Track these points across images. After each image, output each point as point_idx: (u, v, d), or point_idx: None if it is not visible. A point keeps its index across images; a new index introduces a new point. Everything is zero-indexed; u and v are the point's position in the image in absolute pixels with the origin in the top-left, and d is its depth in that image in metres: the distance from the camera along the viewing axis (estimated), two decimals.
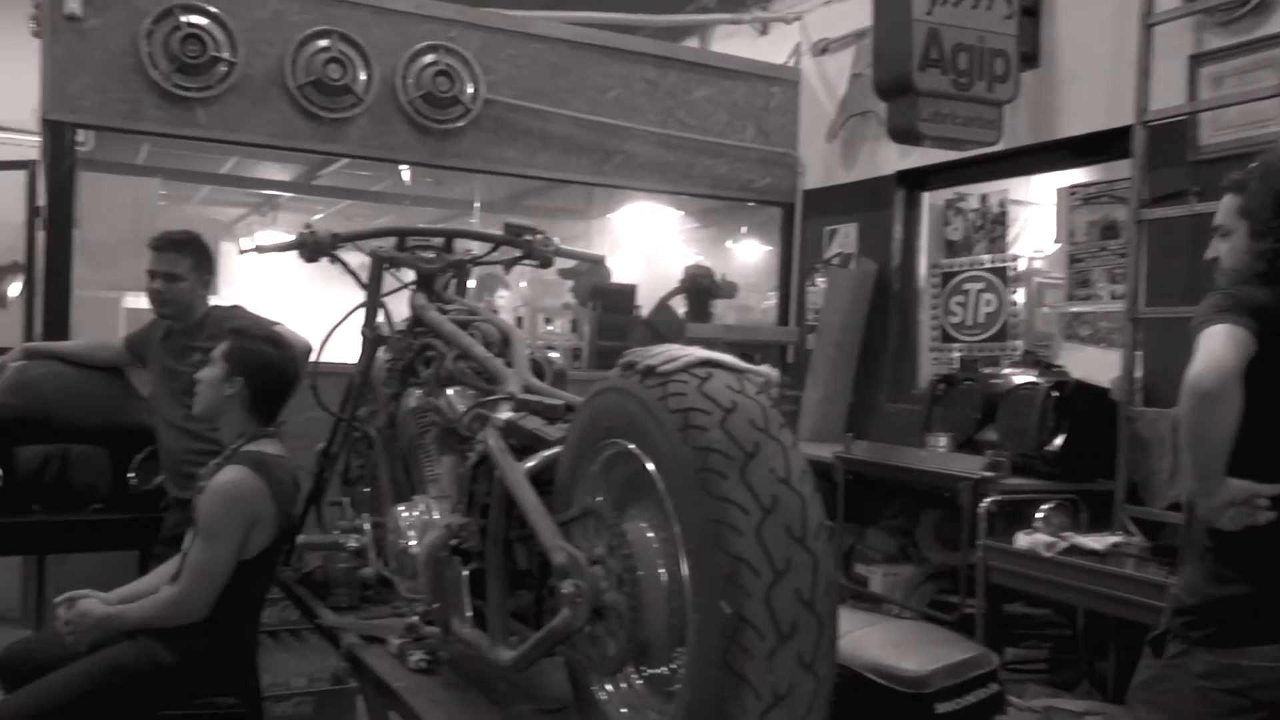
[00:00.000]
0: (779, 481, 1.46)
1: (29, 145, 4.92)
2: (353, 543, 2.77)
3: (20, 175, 4.88)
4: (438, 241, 2.94)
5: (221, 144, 4.83)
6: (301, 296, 6.81)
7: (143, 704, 2.69)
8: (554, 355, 2.59)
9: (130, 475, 3.65)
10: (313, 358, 3.14)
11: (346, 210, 11.86)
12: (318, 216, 11.63)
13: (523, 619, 2.06)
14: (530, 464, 1.92)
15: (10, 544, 3.65)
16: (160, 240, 3.54)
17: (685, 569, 1.51)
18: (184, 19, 4.29)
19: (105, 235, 4.53)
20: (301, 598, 3.07)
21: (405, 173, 10.06)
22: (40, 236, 4.43)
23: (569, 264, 6.66)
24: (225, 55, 4.37)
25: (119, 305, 5.83)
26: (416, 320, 2.72)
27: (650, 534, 1.63)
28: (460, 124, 4.87)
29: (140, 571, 3.94)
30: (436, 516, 2.36)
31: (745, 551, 1.41)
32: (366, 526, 2.79)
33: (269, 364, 2.86)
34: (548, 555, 1.71)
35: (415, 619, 2.39)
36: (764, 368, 1.70)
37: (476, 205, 9.60)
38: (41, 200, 4.39)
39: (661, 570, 1.59)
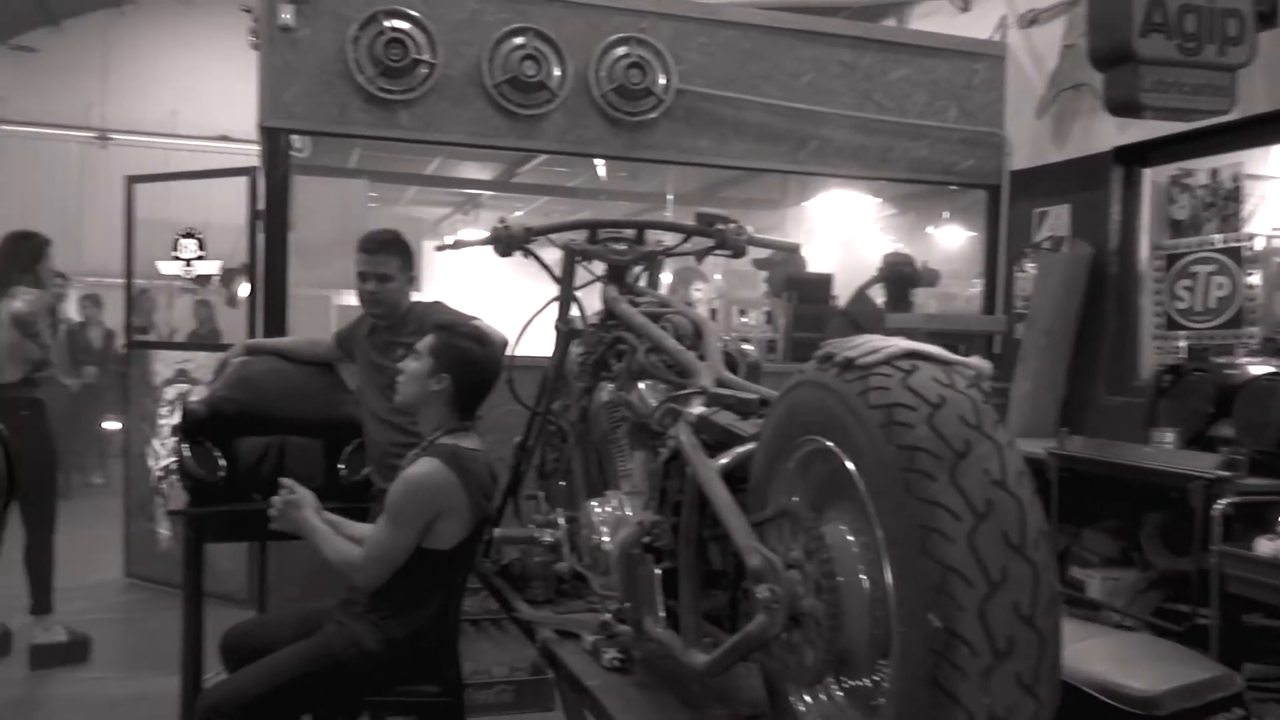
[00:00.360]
0: (993, 484, 1.34)
1: (254, 154, 5.21)
2: (547, 537, 2.78)
3: (243, 181, 5.20)
4: (629, 233, 2.90)
5: (423, 144, 4.97)
6: (500, 291, 7.00)
7: (349, 689, 2.78)
8: (748, 348, 2.50)
9: (340, 466, 3.79)
10: (508, 352, 3.18)
11: (544, 207, 12.11)
12: (517, 213, 11.93)
13: (716, 621, 1.99)
14: (723, 461, 1.85)
15: (232, 531, 3.86)
16: (370, 242, 3.65)
17: (889, 577, 1.41)
18: (387, 24, 4.42)
19: (318, 236, 4.76)
20: (499, 590, 3.10)
21: (600, 168, 10.21)
22: (260, 239, 4.69)
23: (763, 254, 6.56)
24: (425, 57, 4.49)
25: (330, 302, 6.13)
26: (608, 313, 2.69)
27: (850, 538, 1.53)
28: (653, 115, 4.84)
29: None
30: (629, 513, 2.32)
31: (956, 560, 1.30)
32: (560, 521, 2.78)
33: (474, 361, 2.89)
34: (741, 557, 1.63)
35: (608, 616, 2.36)
36: (974, 359, 1.57)
37: (670, 198, 9.61)
38: (261, 204, 4.65)
39: (863, 577, 1.49)
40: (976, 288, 6.15)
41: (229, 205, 5.67)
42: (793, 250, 3.68)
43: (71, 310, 9.91)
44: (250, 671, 2.74)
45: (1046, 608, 1.32)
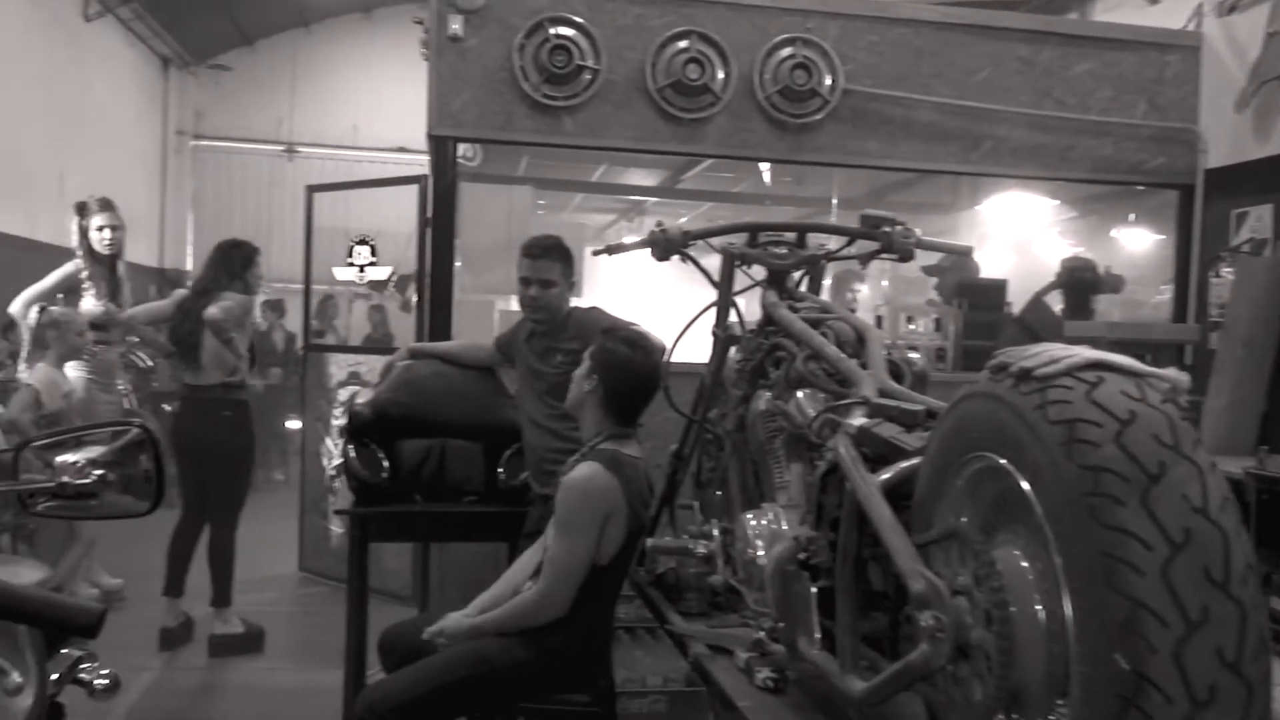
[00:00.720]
0: (1193, 511, 1.20)
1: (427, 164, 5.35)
2: (701, 548, 2.71)
3: (414, 190, 5.33)
4: (790, 237, 2.80)
5: (587, 150, 4.99)
6: (658, 298, 6.98)
7: (502, 697, 2.78)
8: (914, 356, 2.37)
9: (499, 470, 3.82)
10: (665, 358, 3.12)
11: (708, 212, 12.07)
12: (681, 219, 11.92)
13: (875, 645, 1.88)
14: (885, 476, 1.74)
15: (395, 531, 3.95)
16: (533, 247, 3.65)
17: (1068, 609, 1.28)
18: (552, 31, 4.45)
19: (483, 242, 4.84)
20: (653, 600, 3.05)
21: (765, 173, 10.10)
22: (429, 245, 4.79)
23: (932, 260, 6.33)
24: (590, 63, 4.49)
25: (494, 308, 6.23)
26: (767, 319, 2.61)
27: (1025, 564, 1.41)
28: (818, 117, 4.72)
29: (508, 563, 4.14)
30: (784, 527, 2.22)
31: (1147, 595, 1.16)
32: (715, 533, 2.71)
33: (624, 365, 2.85)
34: (903, 580, 1.52)
35: (762, 634, 2.27)
36: (1170, 371, 1.42)
37: (834, 202, 9.42)
38: (430, 212, 4.75)
39: (1038, 608, 1.36)
40: (1165, 295, 5.75)
41: (401, 214, 5.84)
42: (964, 254, 3.51)
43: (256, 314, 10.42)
44: (407, 674, 2.77)
45: (1255, 653, 1.17)
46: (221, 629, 4.87)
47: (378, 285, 6.68)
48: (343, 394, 6.23)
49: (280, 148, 14.33)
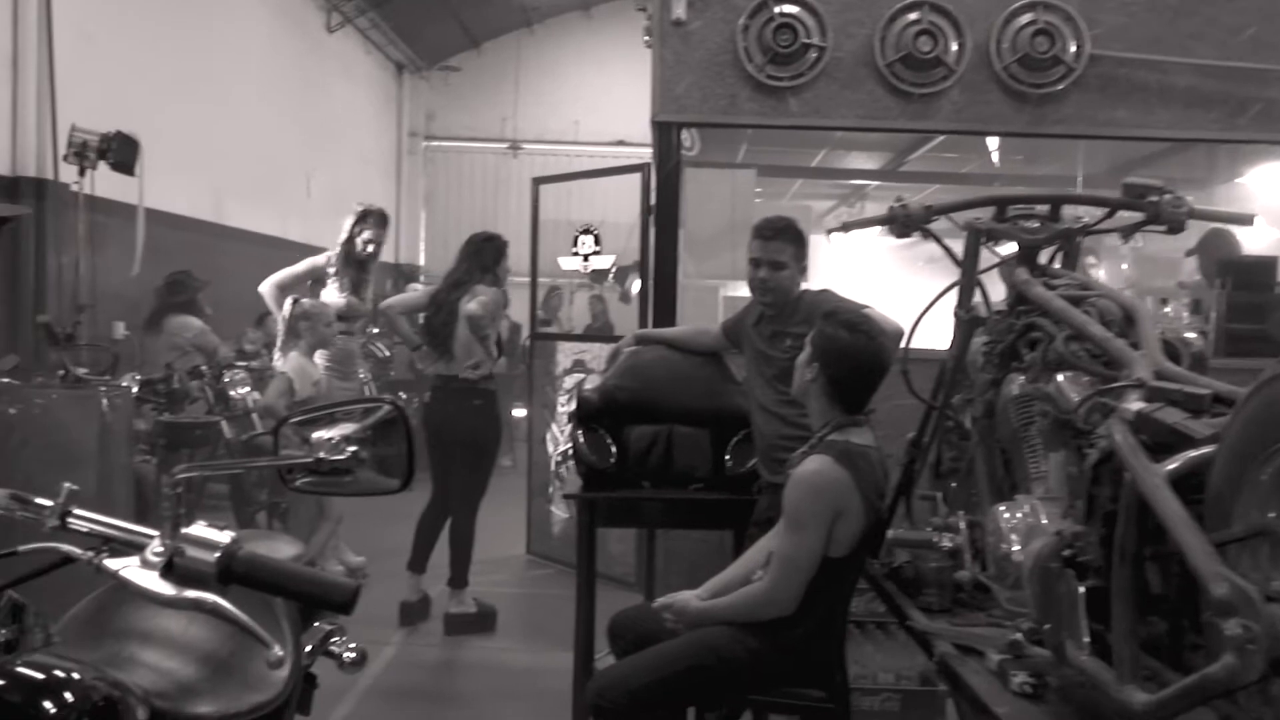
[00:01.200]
0: None
1: (647, 155, 5.37)
2: (946, 542, 2.55)
3: (636, 180, 5.35)
4: (1041, 210, 2.60)
5: (812, 131, 4.86)
6: (887, 283, 6.76)
7: (732, 688, 2.72)
8: (1192, 336, 2.15)
9: (726, 457, 3.75)
10: (903, 343, 2.98)
11: (931, 196, 11.64)
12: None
13: (1153, 651, 1.70)
14: (1172, 466, 1.56)
15: (623, 517, 3.96)
16: (766, 228, 3.55)
17: None
18: (776, 9, 4.34)
19: (706, 228, 4.79)
20: (890, 594, 2.92)
21: (994, 152, 9.62)
22: (652, 232, 4.79)
23: (1190, 241, 5.82)
24: (815, 41, 4.36)
25: (718, 293, 6.18)
26: (1019, 298, 2.43)
27: None
28: (1061, 86, 4.40)
29: (734, 551, 4.09)
30: (1044, 521, 2.05)
31: None
32: (962, 525, 2.55)
33: (844, 350, 2.72)
34: (1202, 583, 1.35)
35: (1018, 636, 2.10)
36: None
37: (1079, 179, 8.85)
38: (653, 200, 4.74)
39: None
40: None
41: (621, 204, 5.87)
42: (1246, 222, 3.16)
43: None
44: (638, 660, 2.75)
45: None
46: (457, 608, 5.05)
47: (599, 276, 6.75)
48: (568, 381, 6.34)
49: (504, 145, 14.82)
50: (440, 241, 14.75)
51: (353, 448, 1.29)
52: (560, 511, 6.38)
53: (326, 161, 11.47)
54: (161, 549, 1.21)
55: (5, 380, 4.26)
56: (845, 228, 2.79)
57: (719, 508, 3.77)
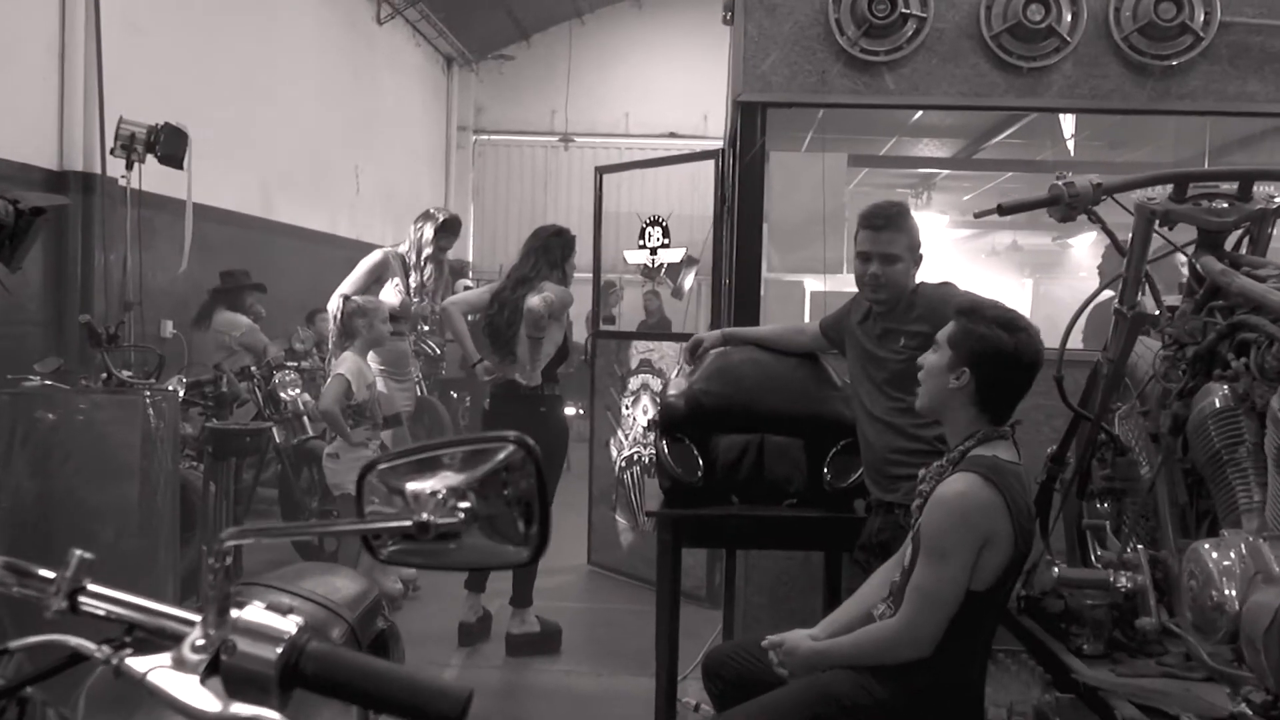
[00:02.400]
0: None
1: (702, 146, 5.07)
2: (1123, 581, 2.17)
3: (697, 171, 4.96)
4: (1227, 188, 2.21)
5: (891, 115, 4.47)
6: (948, 277, 6.34)
7: None
8: None
9: (825, 470, 3.38)
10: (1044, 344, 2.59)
11: (1002, 185, 11.16)
12: (966, 198, 11.08)
13: None
14: None
15: (709, 536, 3.58)
16: (875, 216, 3.13)
17: None
18: None
19: (790, 217, 4.40)
20: (1030, 632, 2.54)
21: (1070, 139, 9.12)
22: (728, 224, 4.43)
23: None
24: (914, 10, 3.97)
25: (803, 288, 5.76)
26: (1212, 290, 2.04)
27: None
28: (1188, 57, 3.99)
29: (826, 573, 3.72)
30: (1277, 568, 1.67)
31: None
32: (1143, 562, 2.16)
33: (1002, 351, 2.35)
34: None
35: (1242, 706, 1.72)
36: None
37: (1206, 155, 8.28)
38: (729, 188, 4.37)
39: None
40: None
41: (682, 195, 5.53)
42: None
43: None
44: (745, 710, 2.40)
45: None
46: (519, 628, 4.70)
47: (652, 272, 6.39)
48: (633, 382, 5.98)
49: (555, 138, 14.59)
50: (489, 237, 14.51)
51: (465, 504, 0.95)
52: (622, 520, 6.03)
53: (375, 156, 11.26)
54: (203, 642, 0.87)
55: (48, 383, 3.99)
56: (1001, 210, 2.41)
57: (814, 526, 3.40)
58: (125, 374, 4.13)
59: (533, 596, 4.75)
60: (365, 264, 5.46)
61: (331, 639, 1.57)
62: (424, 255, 5.46)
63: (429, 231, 5.45)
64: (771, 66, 4.07)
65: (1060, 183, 2.28)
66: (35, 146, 6.10)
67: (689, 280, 6.38)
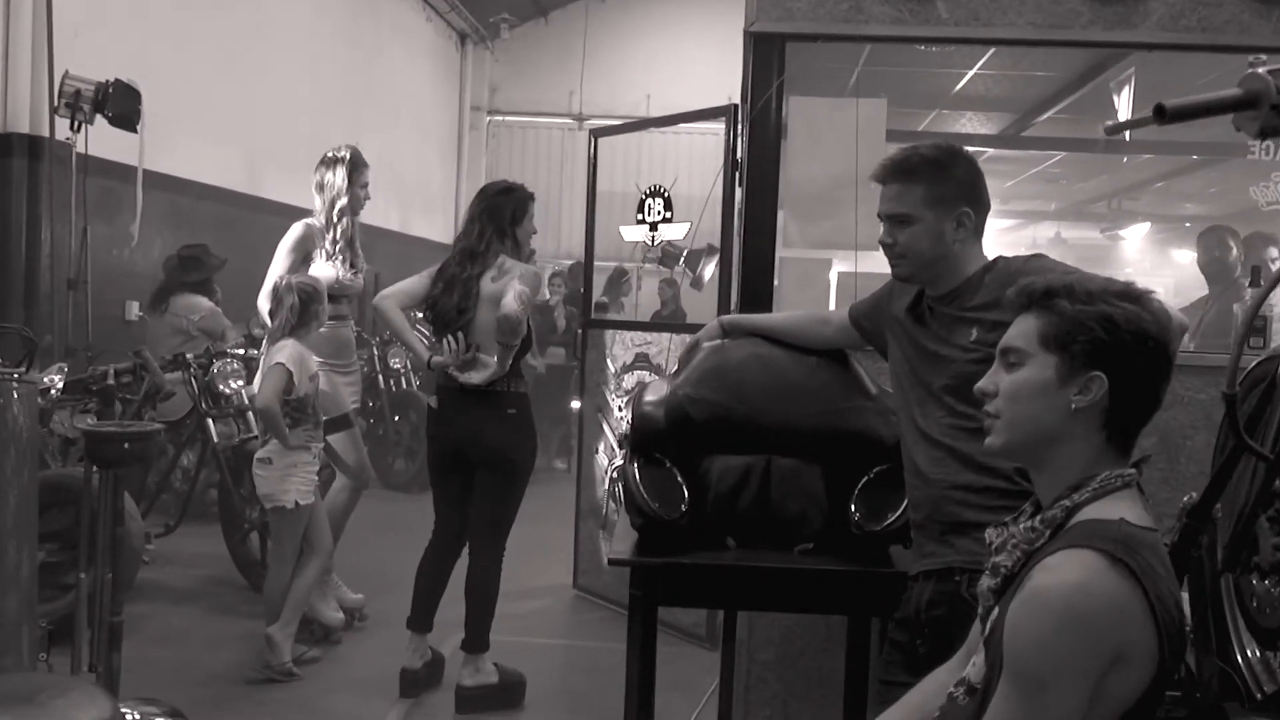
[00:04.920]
0: None
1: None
2: None
3: (712, 144, 4.11)
4: None
5: (963, 44, 3.65)
6: None
7: None
8: None
9: (852, 506, 2.50)
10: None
11: (1045, 171, 10.29)
12: (1008, 184, 10.22)
13: None
14: None
15: (693, 592, 2.64)
16: (883, 168, 2.31)
17: None
18: None
19: (814, 179, 3.49)
20: None
21: (1122, 116, 8.28)
22: (738, 193, 3.56)
23: None
24: None
25: (829, 268, 4.81)
26: None
27: None
28: None
29: (849, 638, 2.85)
30: None
31: None
32: None
33: (1146, 336, 1.49)
34: None
35: None
36: None
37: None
38: (740, 149, 3.50)
39: None
40: None
41: (696, 170, 4.68)
42: None
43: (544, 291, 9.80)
44: None
45: None
46: (472, 679, 3.83)
47: (671, 259, 5.56)
48: (628, 380, 5.13)
49: (571, 120, 13.99)
50: None
51: None
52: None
53: (380, 135, 10.60)
54: None
55: None
56: (1161, 115, 1.46)
57: (839, 582, 2.53)
58: None
59: (489, 640, 3.88)
60: (287, 241, 4.55)
61: None
62: (339, 207, 4.56)
63: (340, 176, 4.54)
64: None
65: (1263, 70, 1.39)
66: None
67: (709, 270, 5.58)
